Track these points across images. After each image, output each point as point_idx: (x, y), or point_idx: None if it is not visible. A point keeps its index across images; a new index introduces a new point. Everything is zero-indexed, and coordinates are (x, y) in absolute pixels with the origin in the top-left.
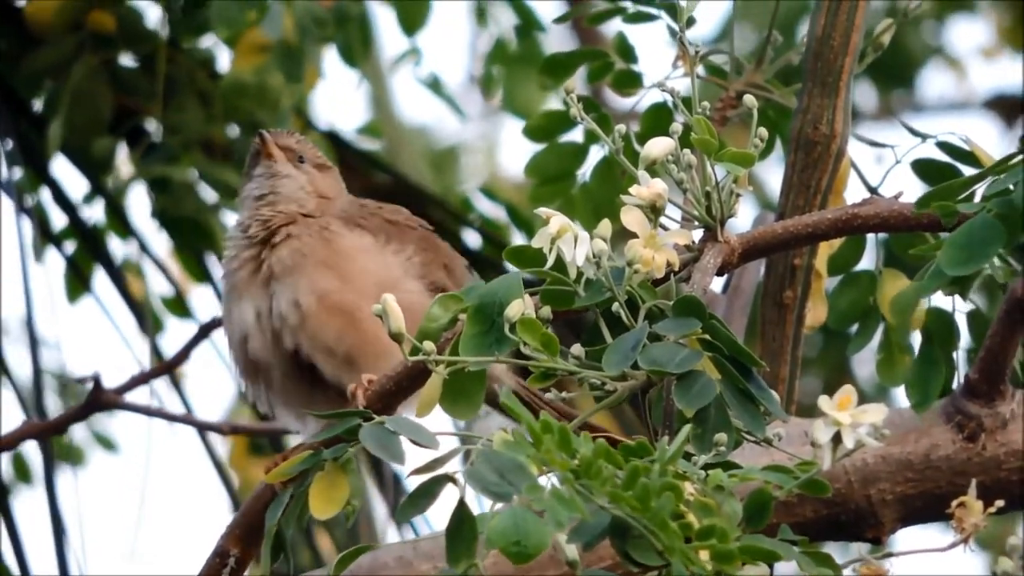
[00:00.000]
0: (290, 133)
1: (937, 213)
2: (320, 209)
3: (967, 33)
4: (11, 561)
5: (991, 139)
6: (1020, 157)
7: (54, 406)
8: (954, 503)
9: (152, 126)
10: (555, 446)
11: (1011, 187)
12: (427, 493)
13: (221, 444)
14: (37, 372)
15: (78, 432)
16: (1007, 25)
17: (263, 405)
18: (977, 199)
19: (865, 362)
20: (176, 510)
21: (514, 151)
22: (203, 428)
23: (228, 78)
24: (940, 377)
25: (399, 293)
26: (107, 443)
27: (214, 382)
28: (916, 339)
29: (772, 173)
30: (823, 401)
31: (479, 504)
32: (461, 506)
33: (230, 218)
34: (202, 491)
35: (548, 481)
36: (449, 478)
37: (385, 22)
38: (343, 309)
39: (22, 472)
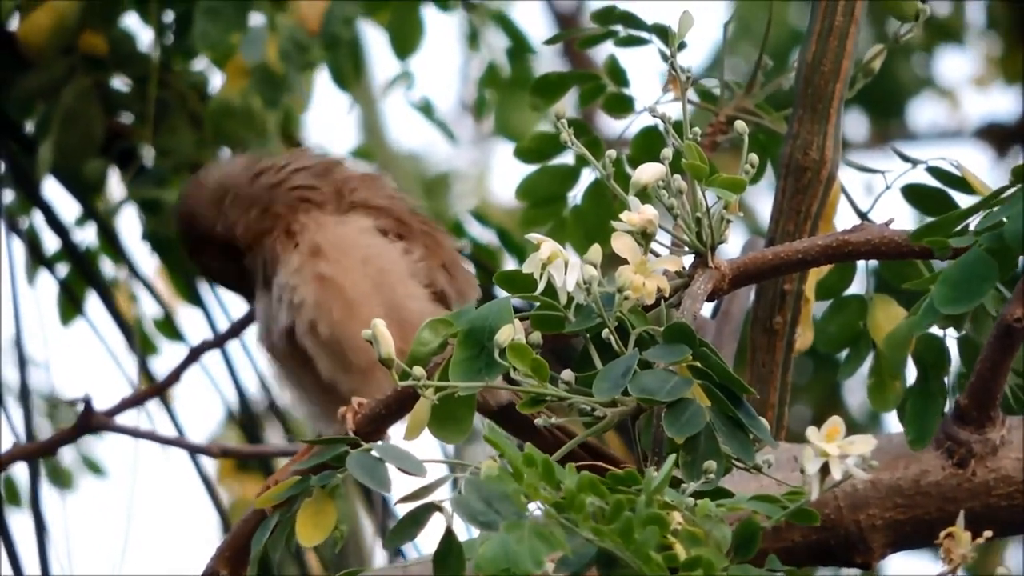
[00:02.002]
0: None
1: (930, 247)
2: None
3: (956, 65)
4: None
5: (983, 168)
6: (1013, 190)
7: (44, 428)
8: (942, 534)
9: (143, 148)
10: (538, 479)
11: (1004, 220)
12: (415, 521)
13: (212, 464)
14: (26, 394)
15: (67, 456)
16: (997, 56)
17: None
18: (971, 230)
19: (855, 390)
20: (166, 531)
21: (505, 178)
22: (193, 451)
23: (215, 100)
24: (937, 412)
25: (403, 290)
26: (95, 468)
27: (204, 401)
28: (906, 365)
29: (762, 199)
30: (811, 432)
31: (467, 530)
32: (448, 534)
33: None
34: (193, 512)
35: (533, 512)
36: (436, 507)
37: (376, 46)
38: (335, 287)
39: (12, 495)
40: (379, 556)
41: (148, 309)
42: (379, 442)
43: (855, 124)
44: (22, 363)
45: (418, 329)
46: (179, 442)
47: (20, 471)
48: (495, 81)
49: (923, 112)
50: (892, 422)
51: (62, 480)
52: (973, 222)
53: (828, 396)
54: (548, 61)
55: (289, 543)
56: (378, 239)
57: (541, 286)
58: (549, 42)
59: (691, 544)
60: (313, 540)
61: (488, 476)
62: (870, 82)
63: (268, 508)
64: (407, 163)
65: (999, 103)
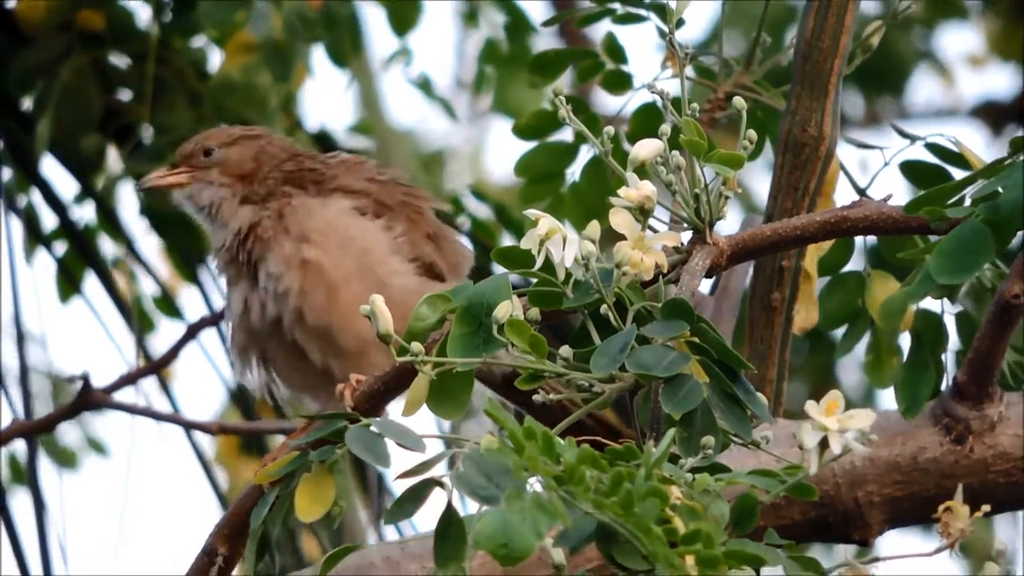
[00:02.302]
0: (193, 140)
1: (927, 218)
2: (250, 183)
3: (957, 39)
4: (11, 561)
5: (979, 147)
6: (1009, 161)
7: (43, 406)
8: (941, 508)
9: (141, 125)
10: (538, 452)
11: (999, 190)
12: (415, 497)
13: (209, 443)
14: (25, 371)
15: (69, 435)
16: (996, 31)
17: (266, 392)
18: (967, 203)
19: (850, 369)
20: (164, 508)
21: (500, 155)
22: (191, 428)
23: (216, 77)
24: (929, 383)
25: (384, 269)
26: (97, 446)
27: (203, 382)
28: (904, 339)
29: (757, 178)
30: (810, 406)
31: (463, 506)
32: (449, 509)
33: None
34: (191, 490)
35: (534, 485)
36: (436, 482)
37: (374, 23)
38: (317, 271)
39: (16, 472)
40: (373, 537)
41: (146, 287)
42: (378, 418)
43: (850, 102)
44: (21, 342)
45: (403, 304)
46: (177, 419)
47: (22, 450)
48: (494, 57)
49: (919, 90)
50: (887, 402)
51: (63, 459)
52: (969, 194)
53: (823, 376)
54: (544, 41)
55: (288, 519)
56: (357, 219)
57: (539, 262)
58: (548, 23)
59: (690, 518)
60: (312, 515)
61: (489, 449)
62: (868, 56)
63: (266, 484)
64: (403, 140)
65: (995, 81)
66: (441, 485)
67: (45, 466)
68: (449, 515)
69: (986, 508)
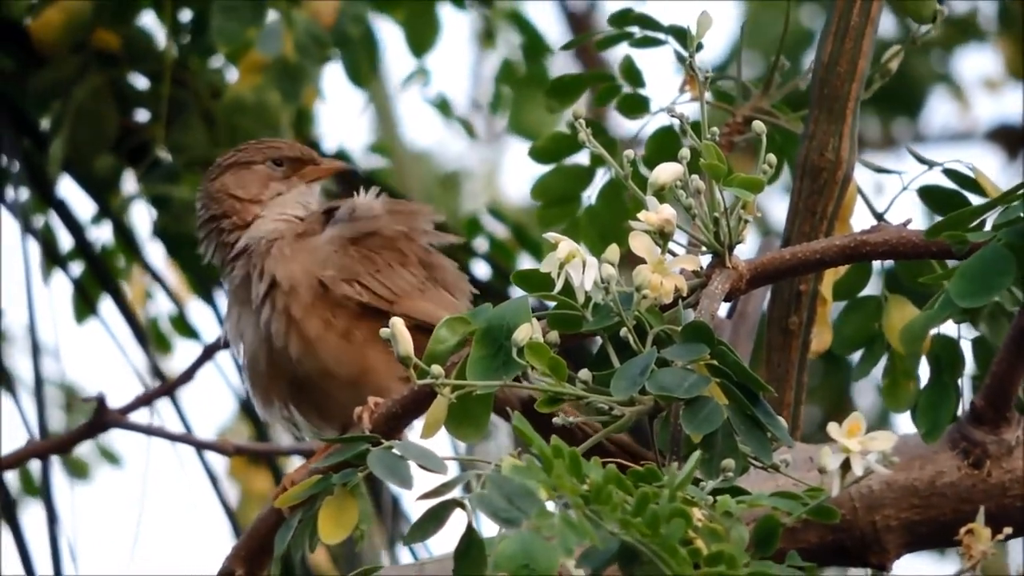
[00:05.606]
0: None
1: (948, 242)
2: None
3: (975, 63)
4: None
5: (993, 170)
6: None
7: (58, 425)
8: (962, 530)
9: (156, 145)
10: (566, 471)
11: (1022, 215)
12: (435, 518)
13: (221, 460)
14: (40, 392)
15: (83, 447)
16: (1012, 55)
17: (287, 423)
18: (987, 227)
19: (865, 392)
20: (177, 529)
21: (515, 177)
22: (206, 448)
23: (228, 96)
24: (950, 406)
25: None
26: (112, 457)
27: (212, 393)
28: (920, 364)
29: (774, 201)
30: (832, 428)
31: (480, 527)
32: (470, 530)
33: None
34: (203, 510)
35: (556, 506)
36: (457, 503)
37: (391, 44)
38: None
39: (29, 486)
40: (387, 560)
41: (162, 307)
42: (398, 440)
43: (866, 125)
44: (36, 359)
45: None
46: (192, 440)
47: (37, 468)
48: (511, 78)
49: (935, 114)
50: (903, 427)
51: (78, 471)
52: (989, 219)
53: (838, 398)
54: (561, 61)
55: (312, 542)
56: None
57: (559, 285)
58: (567, 47)
59: (712, 540)
60: (336, 537)
61: (514, 469)
62: (886, 80)
63: (286, 509)
64: (419, 161)
65: (1010, 105)
66: (462, 506)
67: (58, 480)
68: (470, 536)
69: (1008, 531)
